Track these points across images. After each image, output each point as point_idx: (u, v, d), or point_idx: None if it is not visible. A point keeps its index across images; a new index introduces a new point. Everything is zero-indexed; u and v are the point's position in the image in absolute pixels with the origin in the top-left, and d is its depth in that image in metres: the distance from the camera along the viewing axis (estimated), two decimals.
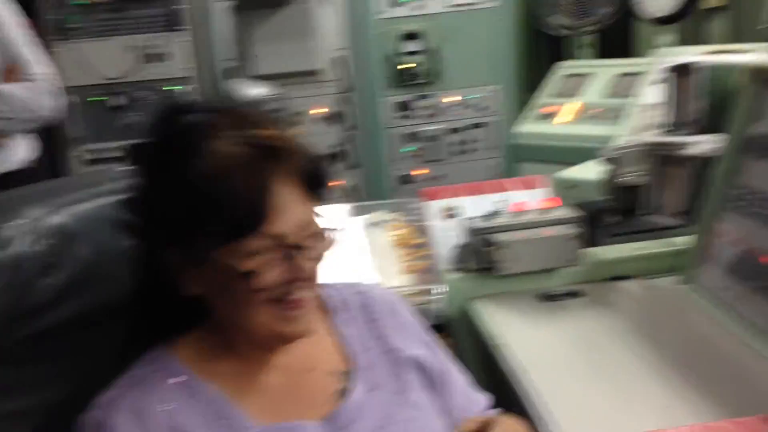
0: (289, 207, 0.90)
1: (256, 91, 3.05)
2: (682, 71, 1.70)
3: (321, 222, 0.95)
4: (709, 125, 1.68)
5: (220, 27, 3.32)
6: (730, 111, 1.56)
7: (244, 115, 0.95)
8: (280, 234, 0.89)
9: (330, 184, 0.97)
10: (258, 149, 0.89)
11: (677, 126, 1.70)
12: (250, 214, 0.87)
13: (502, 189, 1.85)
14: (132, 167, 0.95)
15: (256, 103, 2.97)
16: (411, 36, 3.47)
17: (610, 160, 1.84)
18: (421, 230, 1.72)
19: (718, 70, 1.78)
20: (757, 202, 1.44)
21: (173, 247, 0.92)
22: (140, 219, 0.95)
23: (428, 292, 1.58)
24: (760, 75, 1.50)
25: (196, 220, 0.88)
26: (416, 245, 1.70)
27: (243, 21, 3.28)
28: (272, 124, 0.94)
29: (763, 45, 1.47)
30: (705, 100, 1.74)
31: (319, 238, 0.94)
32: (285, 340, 0.96)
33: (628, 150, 1.80)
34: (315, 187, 0.94)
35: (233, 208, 0.86)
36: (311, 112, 3.44)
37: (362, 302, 1.10)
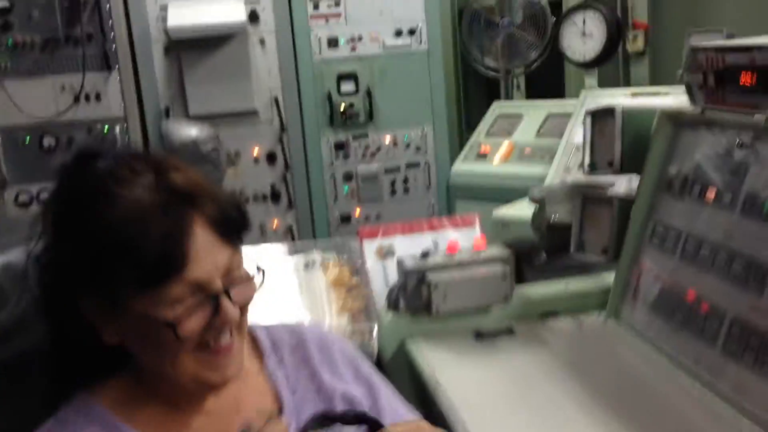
0: (208, 252, 0.89)
1: (190, 131, 3.04)
2: (602, 114, 1.78)
3: (246, 266, 0.95)
4: (629, 166, 1.76)
5: (155, 67, 3.31)
6: (647, 152, 1.64)
7: (157, 160, 0.94)
8: (200, 279, 0.88)
9: (247, 226, 0.97)
10: (172, 195, 0.88)
11: (599, 166, 1.78)
12: (167, 260, 0.86)
13: (437, 228, 1.89)
14: (42, 216, 0.93)
15: (189, 143, 2.97)
16: (347, 77, 3.53)
17: (539, 200, 1.90)
18: (357, 270, 1.74)
19: (636, 113, 1.87)
20: (674, 239, 1.52)
21: (88, 296, 0.90)
22: (53, 269, 0.93)
23: (363, 331, 1.59)
24: (674, 118, 1.59)
25: (111, 268, 0.86)
26: (350, 285, 1.72)
27: (179, 61, 3.28)
28: (186, 169, 0.94)
29: (678, 88, 1.56)
30: (624, 142, 1.82)
31: (243, 283, 0.93)
32: (212, 386, 0.95)
33: (555, 190, 1.87)
34: (233, 231, 0.94)
35: (150, 255, 0.85)
36: (247, 152, 3.44)
37: (296, 342, 1.10)
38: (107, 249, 0.86)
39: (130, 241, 0.85)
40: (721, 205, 1.42)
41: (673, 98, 1.55)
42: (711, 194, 1.45)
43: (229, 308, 0.90)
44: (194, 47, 3.25)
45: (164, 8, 3.22)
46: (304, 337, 1.11)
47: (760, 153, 1.36)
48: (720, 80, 1.40)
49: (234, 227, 0.94)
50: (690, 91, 1.48)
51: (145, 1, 3.26)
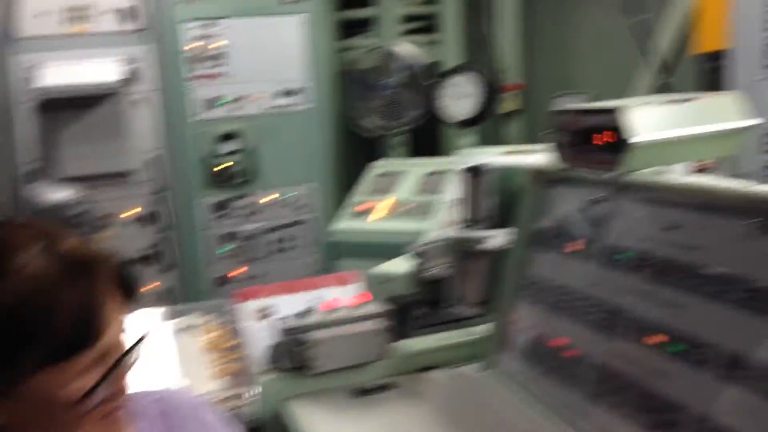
0: (115, 317, 0.86)
1: (59, 194, 2.92)
2: (475, 171, 1.85)
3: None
4: (501, 221, 1.83)
5: (24, 128, 3.17)
6: (518, 207, 1.71)
7: (41, 227, 0.88)
8: (108, 346, 0.84)
9: (142, 288, 0.95)
10: (72, 261, 0.83)
11: (474, 222, 1.84)
12: (81, 333, 0.81)
13: (316, 286, 1.87)
14: None
15: (58, 207, 2.84)
16: (228, 136, 3.51)
17: (418, 255, 1.94)
18: (234, 332, 1.70)
19: (506, 171, 1.96)
20: (544, 290, 1.58)
21: None
22: None
23: (241, 395, 1.55)
24: (542, 175, 1.68)
25: (11, 349, 0.79)
26: (229, 348, 1.68)
27: (49, 122, 3.15)
28: (76, 234, 0.89)
29: (546, 147, 1.64)
30: (496, 198, 1.90)
31: (135, 346, 0.90)
32: None
33: (433, 245, 1.91)
34: (133, 292, 0.91)
35: (61, 329, 0.79)
36: (123, 213, 3.34)
37: (162, 409, 1.07)
38: (5, 330, 0.79)
39: (36, 316, 0.79)
40: (584, 257, 1.49)
41: (543, 156, 1.63)
42: (576, 246, 1.53)
43: (126, 372, 0.88)
44: (67, 107, 3.14)
45: (35, 67, 3.12)
46: (172, 406, 1.08)
47: (616, 207, 1.44)
48: (579, 140, 1.49)
49: (133, 288, 0.91)
50: (555, 150, 1.56)
51: (14, 59, 3.14)
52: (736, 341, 1.10)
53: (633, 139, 1.32)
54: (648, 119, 1.35)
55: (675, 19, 3.11)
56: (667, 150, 1.36)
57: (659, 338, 1.25)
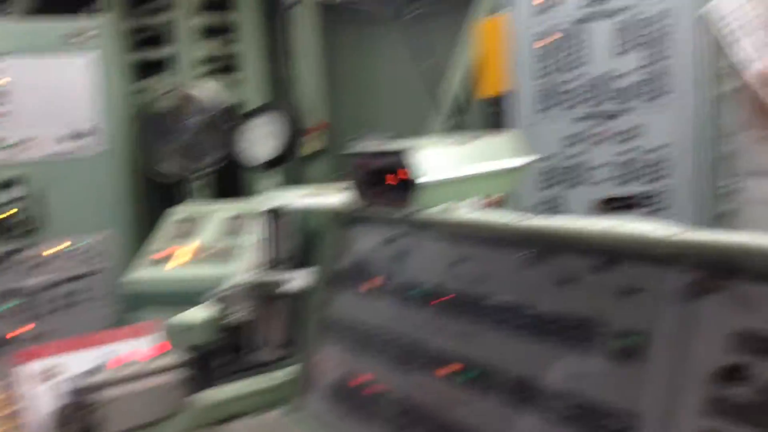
0: None
1: None
2: (275, 213, 1.84)
3: None
4: (303, 261, 1.83)
5: None
6: (318, 248, 1.72)
7: None
8: None
9: None
10: None
11: (275, 263, 1.82)
12: None
13: (112, 340, 1.76)
14: None
15: None
16: (11, 183, 3.24)
17: (219, 301, 1.88)
18: (13, 398, 1.54)
19: (307, 212, 1.97)
20: (345, 329, 1.59)
21: None
22: None
23: None
24: (340, 216, 1.70)
25: None
26: (6, 416, 1.52)
27: None
28: None
29: (346, 187, 1.67)
30: (298, 239, 1.90)
31: None
32: None
33: (235, 289, 1.86)
34: None
35: None
36: None
37: None
38: None
39: None
40: (382, 294, 1.52)
41: (342, 196, 1.66)
42: (374, 284, 1.55)
43: None
44: None
45: None
46: None
47: (410, 244, 1.49)
48: (374, 180, 1.53)
49: None
50: (352, 190, 1.59)
51: None
52: (522, 365, 1.17)
53: (419, 179, 1.37)
54: (433, 159, 1.41)
55: (461, 66, 3.33)
56: (451, 188, 1.43)
57: (454, 368, 1.30)
